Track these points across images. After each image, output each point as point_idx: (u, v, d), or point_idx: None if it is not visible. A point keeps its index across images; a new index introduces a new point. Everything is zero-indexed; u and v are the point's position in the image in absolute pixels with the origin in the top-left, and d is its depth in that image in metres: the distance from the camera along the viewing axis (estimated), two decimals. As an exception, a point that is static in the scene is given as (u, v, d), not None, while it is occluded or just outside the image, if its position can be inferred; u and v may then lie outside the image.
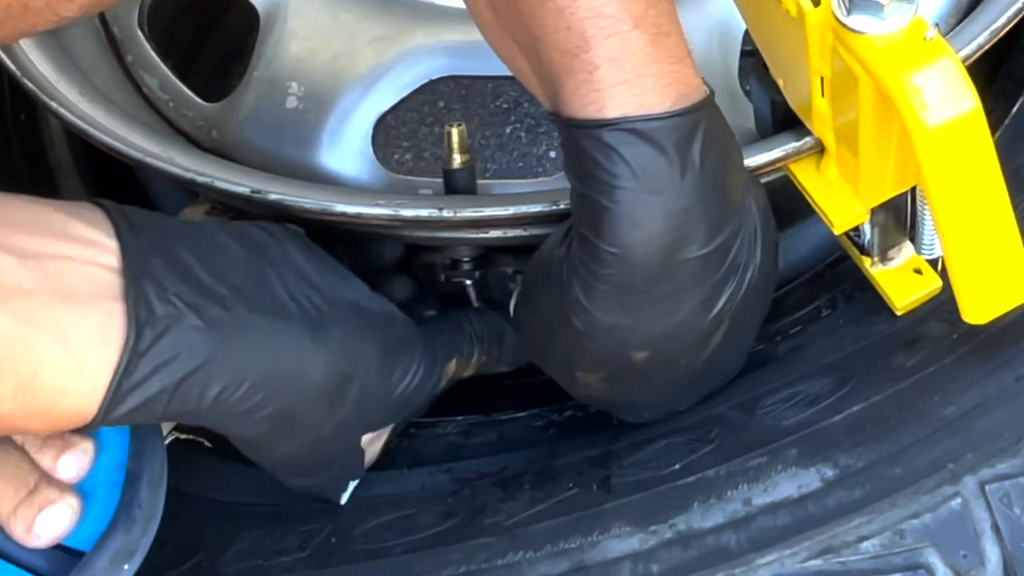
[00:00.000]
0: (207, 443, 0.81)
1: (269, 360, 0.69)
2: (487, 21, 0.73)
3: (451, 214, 0.78)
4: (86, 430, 0.67)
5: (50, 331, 0.64)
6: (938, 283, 0.80)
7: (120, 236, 0.68)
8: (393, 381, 0.75)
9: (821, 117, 0.76)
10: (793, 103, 0.79)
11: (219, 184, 0.81)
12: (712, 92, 0.70)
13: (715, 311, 0.72)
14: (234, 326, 0.68)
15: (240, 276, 0.70)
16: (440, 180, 0.86)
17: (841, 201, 0.78)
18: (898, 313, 0.81)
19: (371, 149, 0.92)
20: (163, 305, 0.66)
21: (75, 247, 0.67)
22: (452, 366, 0.79)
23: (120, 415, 0.66)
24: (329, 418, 0.72)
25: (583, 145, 0.68)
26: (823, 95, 0.75)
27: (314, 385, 0.71)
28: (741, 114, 0.85)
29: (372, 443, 0.78)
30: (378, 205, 0.79)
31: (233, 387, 0.68)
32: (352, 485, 0.79)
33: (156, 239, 0.69)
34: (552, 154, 1.05)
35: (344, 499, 0.79)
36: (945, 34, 0.83)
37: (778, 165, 0.79)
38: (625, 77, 0.67)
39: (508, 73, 0.75)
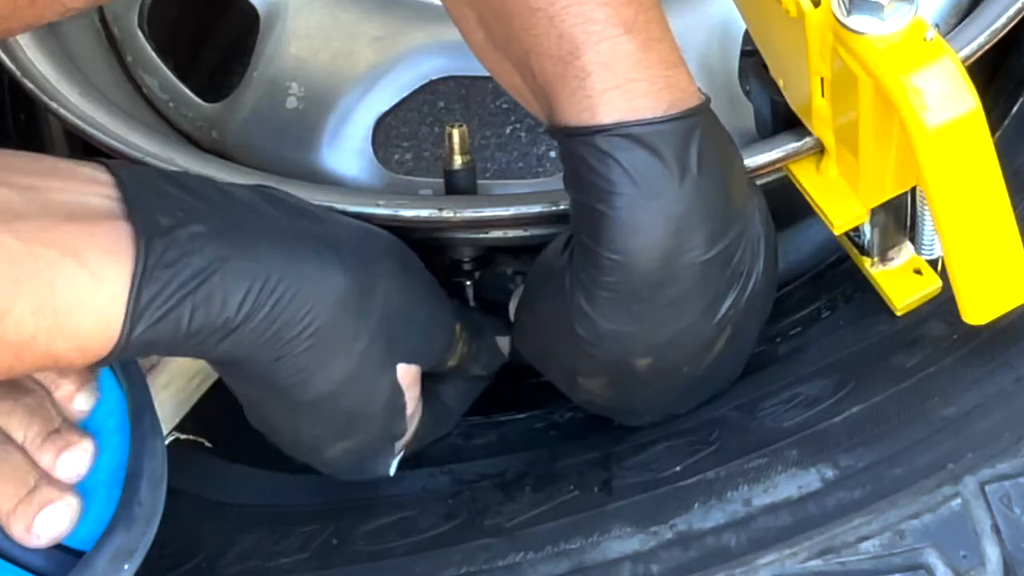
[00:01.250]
0: (208, 444, 0.81)
1: (285, 266, 0.67)
2: (479, 42, 0.73)
3: (451, 214, 0.78)
4: (115, 354, 0.65)
5: (59, 247, 0.63)
6: (938, 283, 0.80)
7: (114, 172, 0.67)
8: (415, 301, 0.73)
9: (821, 117, 0.76)
10: (793, 103, 0.79)
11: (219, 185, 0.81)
12: (708, 99, 0.70)
13: (718, 317, 0.72)
14: (244, 232, 0.67)
15: (244, 201, 0.69)
16: (440, 180, 0.86)
17: (841, 201, 0.78)
18: (898, 314, 0.81)
19: (371, 149, 0.92)
20: (168, 217, 0.65)
21: (69, 181, 0.66)
22: (458, 330, 0.78)
23: (145, 330, 0.64)
24: (359, 332, 0.70)
25: (579, 152, 0.68)
26: (823, 95, 0.75)
27: (336, 291, 0.68)
28: (741, 114, 0.85)
29: (410, 385, 0.75)
30: (378, 206, 0.79)
31: (255, 293, 0.66)
32: (398, 457, 0.78)
33: (152, 173, 0.69)
34: (552, 154, 1.05)
35: (392, 469, 0.77)
36: (945, 34, 0.83)
37: (778, 165, 0.79)
38: (617, 82, 0.67)
39: (508, 74, 0.75)
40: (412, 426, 0.77)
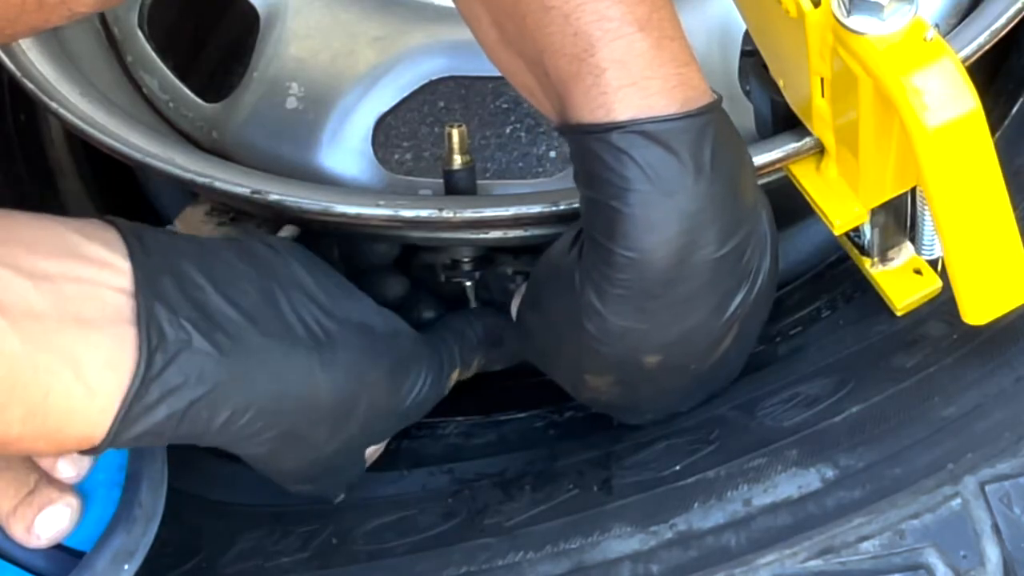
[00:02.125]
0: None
1: (277, 385, 0.69)
2: (492, 41, 0.73)
3: (451, 215, 0.78)
4: (93, 453, 0.67)
5: (61, 355, 0.64)
6: (938, 284, 0.80)
7: (132, 257, 0.68)
8: (400, 397, 0.75)
9: (821, 117, 0.76)
10: (793, 103, 0.79)
11: (219, 185, 0.81)
12: (720, 97, 0.70)
13: (727, 315, 0.72)
14: (243, 352, 0.68)
15: (248, 299, 0.70)
16: (440, 180, 0.86)
17: (841, 201, 0.78)
18: (898, 314, 0.81)
19: (371, 149, 0.92)
20: (174, 330, 0.66)
21: (88, 268, 0.67)
22: (456, 374, 0.79)
23: (128, 438, 0.66)
24: (334, 437, 0.73)
25: (593, 150, 0.68)
26: (823, 96, 0.75)
27: (322, 408, 0.71)
28: (741, 114, 0.85)
29: (373, 453, 0.79)
30: (378, 206, 0.79)
31: (241, 412, 0.68)
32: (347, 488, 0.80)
33: (167, 260, 0.69)
34: (552, 154, 1.05)
35: (339, 499, 0.80)
36: (945, 35, 0.83)
37: (778, 165, 0.79)
38: (632, 79, 0.67)
39: (508, 73, 0.75)
40: (377, 453, 0.79)
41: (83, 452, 0.67)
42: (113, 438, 0.65)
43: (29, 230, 0.67)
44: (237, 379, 0.68)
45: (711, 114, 0.69)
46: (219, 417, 0.67)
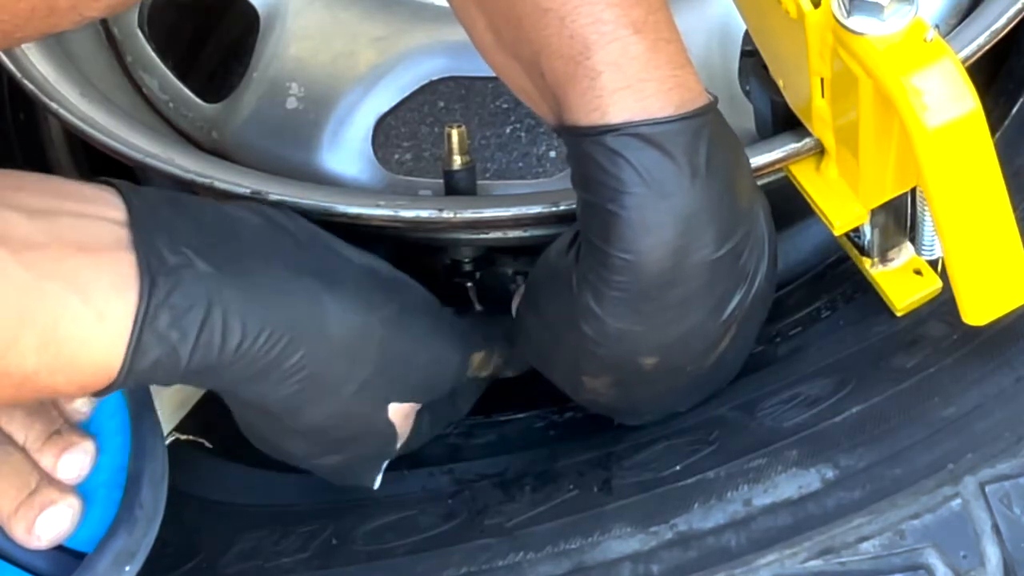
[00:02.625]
0: (207, 444, 0.81)
1: (285, 307, 0.68)
2: (488, 44, 0.73)
3: (451, 215, 0.78)
4: (114, 388, 0.65)
5: (66, 281, 0.63)
6: (938, 284, 0.80)
7: (124, 196, 0.68)
8: (414, 346, 0.74)
9: (821, 118, 0.76)
10: (793, 104, 0.79)
11: (219, 185, 0.81)
12: (716, 99, 0.70)
13: (725, 317, 0.72)
14: (247, 274, 0.67)
15: (250, 233, 0.70)
16: (440, 181, 0.86)
17: (841, 202, 0.78)
18: (898, 314, 0.81)
19: (371, 149, 0.92)
20: (174, 256, 0.66)
21: (83, 204, 0.66)
22: (478, 358, 0.78)
23: (144, 368, 0.65)
24: (352, 376, 0.71)
25: (589, 152, 0.68)
26: (823, 96, 0.75)
27: (330, 338, 0.70)
28: (741, 115, 0.85)
29: (402, 420, 0.76)
30: (378, 206, 0.79)
31: (253, 334, 0.67)
32: (382, 469, 0.78)
33: (161, 198, 0.69)
34: (552, 154, 1.05)
35: (377, 483, 0.78)
36: (945, 35, 0.83)
37: (778, 166, 0.79)
38: (628, 82, 0.67)
39: (508, 74, 0.75)
40: (401, 440, 0.78)
41: (105, 391, 0.65)
42: (129, 367, 0.64)
43: (22, 178, 0.67)
44: (244, 300, 0.66)
45: (706, 116, 0.69)
46: (231, 340, 0.66)
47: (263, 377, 0.69)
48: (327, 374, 0.70)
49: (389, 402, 0.74)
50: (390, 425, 0.75)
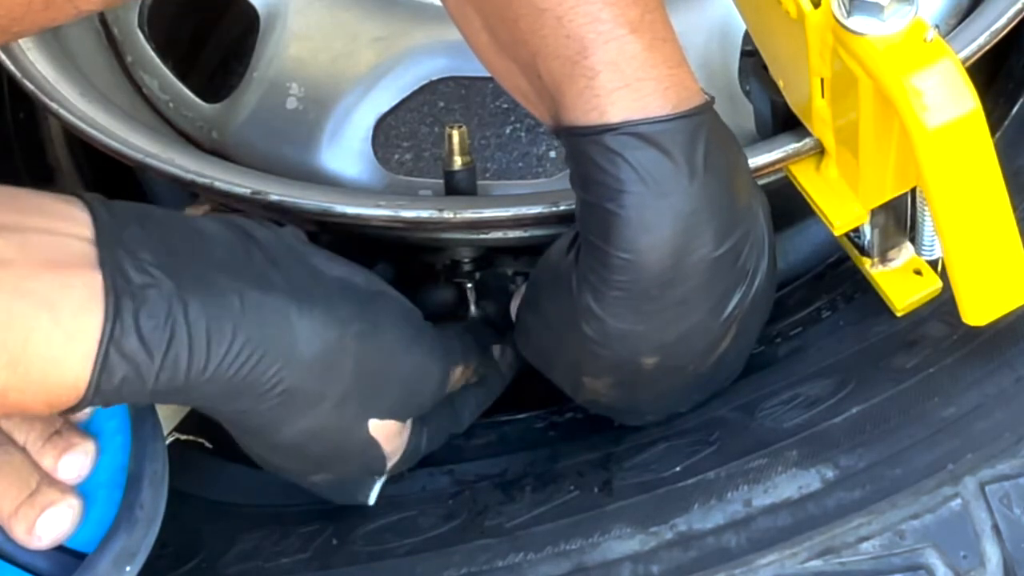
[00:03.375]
0: (208, 444, 0.81)
1: (252, 327, 0.67)
2: (484, 45, 0.73)
3: (451, 215, 0.78)
4: (81, 406, 0.65)
5: (35, 300, 0.63)
6: (938, 284, 0.80)
7: (93, 211, 0.67)
8: (392, 361, 0.73)
9: (821, 118, 0.76)
10: (793, 104, 0.79)
11: (219, 185, 0.81)
12: (712, 98, 0.70)
13: (725, 315, 0.72)
14: (214, 294, 0.67)
15: (220, 250, 0.69)
16: (440, 181, 0.86)
17: (841, 202, 0.78)
18: (898, 314, 0.81)
19: (371, 150, 0.92)
20: (140, 274, 0.65)
21: (52, 221, 0.66)
22: (458, 371, 0.78)
23: (112, 387, 0.65)
24: (327, 392, 0.70)
25: (587, 152, 0.68)
26: (823, 96, 0.75)
27: (302, 355, 0.69)
28: (741, 115, 0.85)
29: (387, 439, 0.76)
30: (378, 206, 0.79)
31: (220, 353, 0.66)
32: (378, 485, 0.78)
33: (130, 214, 0.68)
34: (552, 154, 1.05)
35: (372, 499, 0.78)
36: (945, 35, 0.83)
37: (778, 166, 0.79)
38: (626, 81, 0.67)
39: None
40: (395, 458, 0.77)
41: (72, 409, 0.65)
42: (96, 386, 0.64)
43: None
44: (210, 319, 0.66)
45: (704, 115, 0.69)
46: (198, 359, 0.66)
47: (238, 395, 0.68)
48: (302, 390, 0.70)
49: (368, 418, 0.74)
50: (373, 443, 0.74)
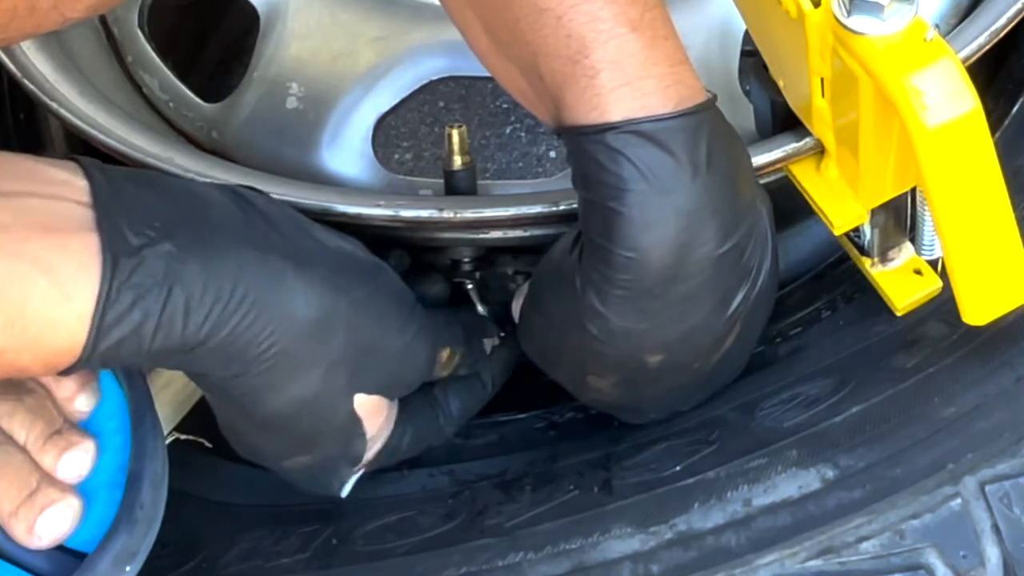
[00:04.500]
0: (208, 444, 0.81)
1: (249, 287, 0.67)
2: (485, 48, 0.73)
3: (451, 215, 0.78)
4: (78, 367, 0.65)
5: (33, 261, 0.63)
6: (938, 284, 0.80)
7: (89, 174, 0.67)
8: (384, 334, 0.73)
9: (821, 118, 0.76)
10: (793, 104, 0.79)
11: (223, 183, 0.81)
12: (714, 96, 0.70)
13: (729, 313, 0.72)
14: (212, 253, 0.67)
15: (217, 212, 0.69)
16: (440, 180, 0.86)
17: (841, 202, 0.78)
18: (898, 314, 0.81)
19: (371, 149, 0.92)
20: (136, 236, 0.65)
21: (48, 186, 0.66)
22: (445, 354, 0.77)
23: (108, 347, 0.65)
24: (318, 358, 0.70)
25: (589, 151, 0.68)
26: (823, 96, 0.75)
27: (298, 319, 0.69)
28: (741, 114, 0.85)
29: (372, 416, 0.75)
30: (378, 206, 0.79)
31: (216, 314, 0.66)
32: (354, 478, 0.78)
33: (126, 177, 0.68)
34: (552, 154, 1.06)
35: (345, 491, 0.78)
36: (945, 35, 0.83)
37: (778, 166, 0.79)
38: (627, 79, 0.67)
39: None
40: (374, 449, 0.77)
41: (69, 370, 0.65)
42: (93, 346, 0.64)
43: None
44: (209, 280, 0.66)
45: (706, 112, 0.69)
46: (194, 319, 0.66)
47: (231, 357, 0.68)
48: (294, 355, 0.69)
49: (355, 391, 0.73)
50: (356, 420, 0.74)
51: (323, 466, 0.76)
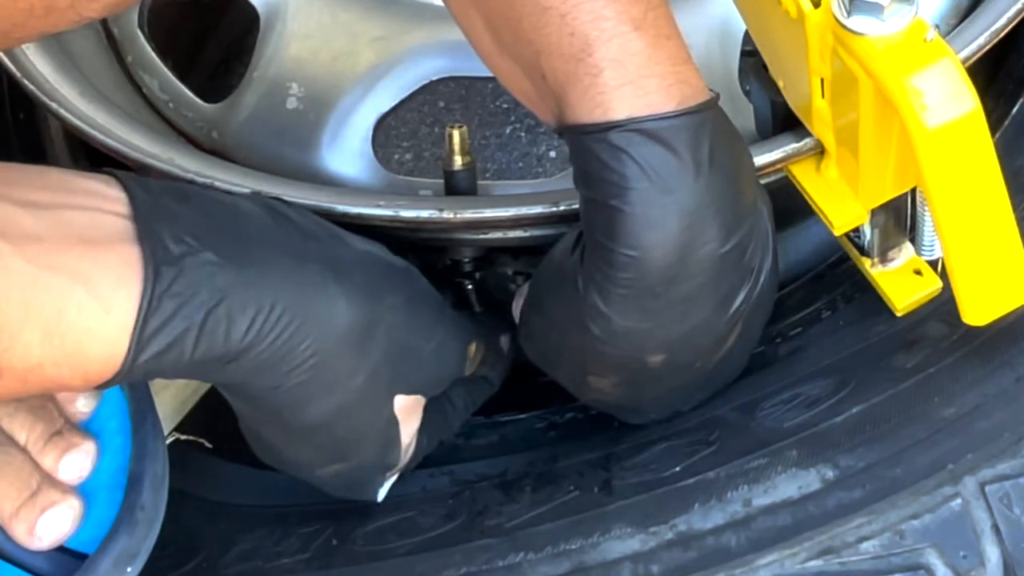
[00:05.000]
0: (208, 444, 0.81)
1: (292, 295, 0.67)
2: (486, 46, 0.73)
3: (452, 215, 0.78)
4: (118, 380, 0.65)
5: (70, 273, 0.63)
6: (938, 284, 0.80)
7: (126, 187, 0.67)
8: (420, 335, 0.73)
9: (821, 118, 0.76)
10: (793, 104, 0.79)
11: (219, 185, 0.81)
12: (717, 95, 0.70)
13: (731, 312, 0.72)
14: (253, 262, 0.67)
15: (254, 223, 0.69)
16: (440, 181, 0.86)
17: (841, 202, 0.78)
18: (898, 314, 0.81)
19: (371, 150, 0.92)
20: (177, 244, 0.65)
21: (85, 198, 0.66)
22: (473, 349, 0.78)
23: (149, 358, 0.64)
24: (360, 365, 0.70)
25: (591, 150, 0.68)
26: (823, 96, 0.75)
27: (339, 326, 0.69)
28: (741, 114, 0.85)
29: (408, 417, 0.75)
30: (378, 206, 0.79)
31: (260, 323, 0.66)
32: (390, 481, 0.78)
33: (165, 190, 0.68)
34: (552, 154, 1.06)
35: (381, 495, 0.78)
36: (945, 35, 0.83)
37: (778, 166, 0.79)
38: (629, 78, 0.67)
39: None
40: (406, 458, 0.77)
41: (109, 383, 0.65)
42: (133, 358, 0.64)
43: (22, 172, 0.66)
44: (249, 289, 0.66)
45: (709, 111, 0.69)
46: (237, 329, 0.65)
47: (271, 368, 0.68)
48: (335, 363, 0.69)
49: (395, 394, 0.73)
50: (395, 423, 0.74)
51: (356, 473, 0.76)
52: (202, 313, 0.65)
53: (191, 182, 0.82)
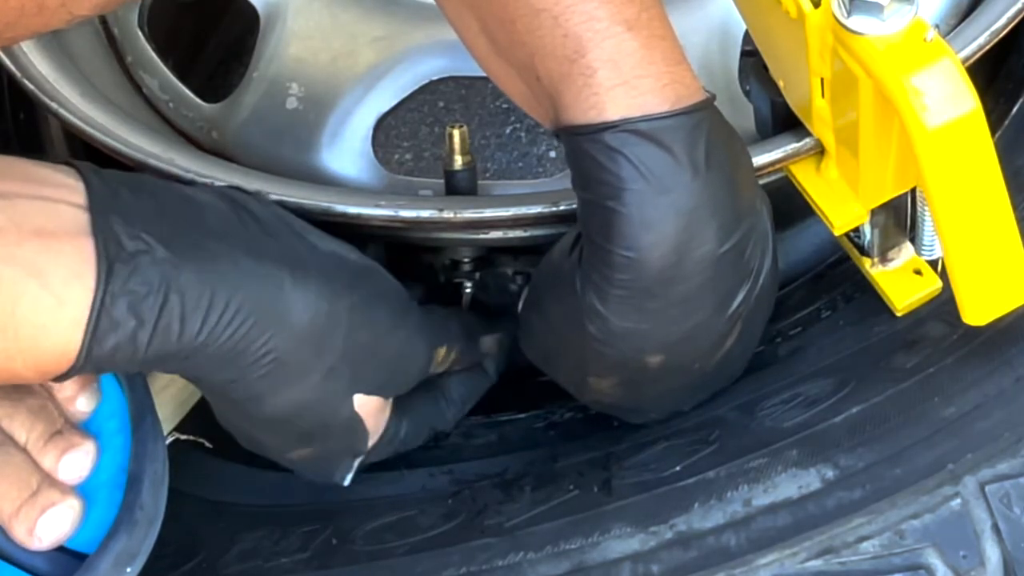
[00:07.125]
0: (208, 444, 0.81)
1: (246, 294, 0.67)
2: (482, 50, 0.73)
3: (451, 215, 0.78)
4: (72, 373, 0.65)
5: (24, 266, 0.63)
6: (938, 284, 0.80)
7: (86, 178, 0.67)
8: (382, 336, 0.73)
9: (821, 118, 0.76)
10: (793, 104, 0.79)
11: (219, 185, 0.81)
12: (713, 95, 0.70)
13: (730, 313, 0.72)
14: (208, 259, 0.67)
15: (213, 217, 0.69)
16: (440, 181, 0.86)
17: (841, 202, 0.78)
18: (898, 314, 0.81)
19: (371, 150, 0.92)
20: (132, 241, 0.65)
21: (43, 188, 0.66)
22: (441, 352, 0.78)
23: (103, 354, 0.65)
24: (317, 364, 0.70)
25: (587, 151, 0.68)
26: (823, 96, 0.75)
27: (295, 325, 0.69)
28: (741, 114, 0.85)
29: (370, 416, 0.76)
30: (378, 206, 0.79)
31: (212, 321, 0.66)
32: (355, 466, 0.78)
33: (122, 182, 0.68)
34: (552, 154, 1.05)
35: (347, 480, 0.78)
36: (945, 35, 0.83)
37: (778, 166, 0.79)
38: (624, 78, 0.67)
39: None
40: (373, 441, 0.77)
41: (63, 376, 0.65)
42: (87, 353, 0.64)
43: None
44: (203, 286, 0.66)
45: (704, 112, 0.69)
46: (191, 326, 0.66)
47: (228, 363, 0.68)
48: (292, 361, 0.69)
49: (354, 392, 0.73)
50: (357, 419, 0.74)
51: (326, 458, 0.76)
52: (155, 310, 0.65)
53: (191, 183, 0.82)
